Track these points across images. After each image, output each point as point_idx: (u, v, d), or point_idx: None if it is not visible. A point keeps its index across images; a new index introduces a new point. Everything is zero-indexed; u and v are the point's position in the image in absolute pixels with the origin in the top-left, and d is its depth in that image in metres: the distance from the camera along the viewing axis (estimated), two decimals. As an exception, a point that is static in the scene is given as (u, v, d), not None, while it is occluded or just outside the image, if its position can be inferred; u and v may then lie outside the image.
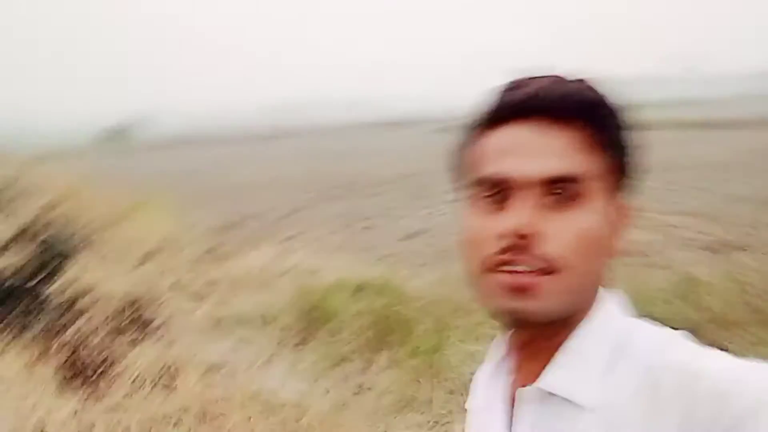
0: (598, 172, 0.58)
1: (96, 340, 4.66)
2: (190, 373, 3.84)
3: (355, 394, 3.61)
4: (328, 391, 3.62)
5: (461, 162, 0.62)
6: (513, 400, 0.63)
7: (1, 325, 5.31)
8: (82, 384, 4.04)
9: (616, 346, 0.58)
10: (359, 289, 5.02)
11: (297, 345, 4.43)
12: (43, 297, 5.94)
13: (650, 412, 0.54)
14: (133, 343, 4.56)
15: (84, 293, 5.65)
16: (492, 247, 0.56)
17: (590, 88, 0.58)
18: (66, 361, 4.37)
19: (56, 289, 6.00)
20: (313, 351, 4.24)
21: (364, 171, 17.75)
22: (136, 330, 4.78)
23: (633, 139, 0.60)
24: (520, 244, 0.56)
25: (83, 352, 4.49)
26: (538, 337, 0.61)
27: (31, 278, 6.76)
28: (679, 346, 0.57)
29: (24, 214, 10.87)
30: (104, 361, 4.34)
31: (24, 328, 5.18)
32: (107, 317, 5.03)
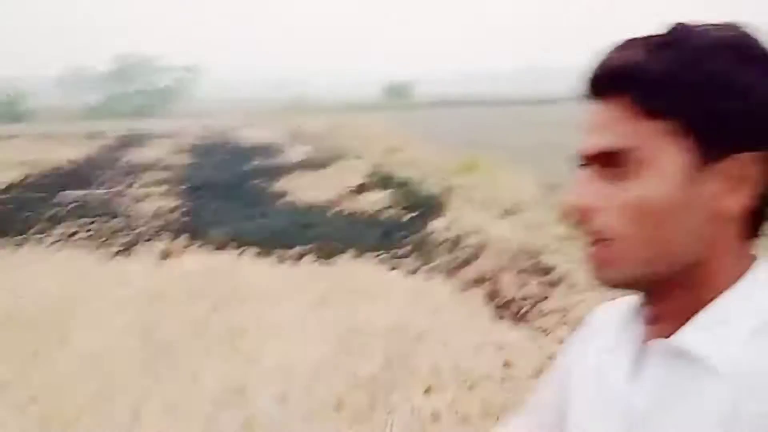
0: (659, 137, 0.57)
1: (509, 278, 5.06)
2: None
3: None
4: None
5: None
6: (641, 347, 0.63)
7: (391, 252, 6.07)
8: (516, 316, 4.43)
9: (765, 318, 0.56)
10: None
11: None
12: (425, 233, 6.67)
13: None
14: (549, 285, 4.84)
15: (470, 234, 6.19)
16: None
17: (642, 50, 0.58)
18: (491, 293, 4.83)
19: (439, 227, 6.70)
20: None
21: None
22: (543, 273, 5.06)
23: (719, 93, 0.56)
24: (578, 217, 0.59)
25: (503, 287, 4.91)
26: (650, 299, 0.62)
27: (401, 216, 7.67)
28: None
29: (367, 159, 12.43)
30: (527, 297, 4.69)
31: (420, 259, 5.87)
32: (508, 259, 5.43)
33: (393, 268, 5.58)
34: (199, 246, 6.42)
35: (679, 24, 0.59)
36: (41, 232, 7.27)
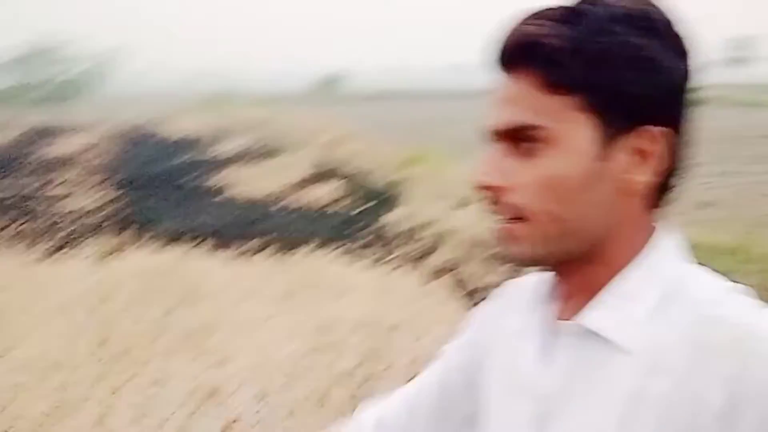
0: (567, 111, 0.57)
1: (474, 267, 5.12)
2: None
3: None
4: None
5: None
6: (549, 326, 0.64)
7: (348, 245, 6.02)
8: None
9: (667, 291, 0.58)
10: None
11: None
12: (381, 225, 6.65)
13: (694, 365, 0.53)
14: (514, 272, 4.92)
15: (428, 225, 6.22)
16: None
17: (546, 24, 0.57)
18: (456, 282, 4.86)
19: (395, 219, 6.69)
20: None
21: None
22: (503, 263, 5.14)
23: (627, 66, 0.56)
24: (488, 193, 0.59)
25: (468, 276, 4.96)
26: (560, 276, 0.62)
27: (353, 208, 7.61)
28: (737, 300, 0.56)
29: (309, 151, 12.22)
30: (493, 285, 4.76)
31: (379, 252, 5.84)
32: (470, 248, 5.49)
33: (353, 262, 5.52)
34: (141, 244, 6.12)
35: None
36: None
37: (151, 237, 6.36)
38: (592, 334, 0.59)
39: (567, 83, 0.56)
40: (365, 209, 7.31)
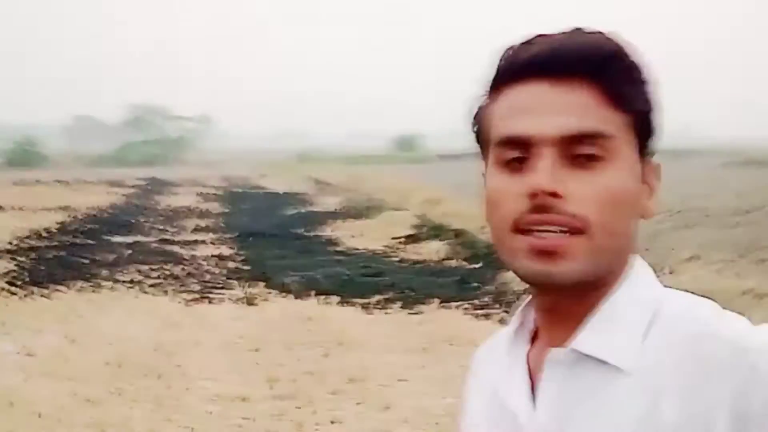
0: (623, 128, 0.56)
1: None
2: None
3: None
4: None
5: (480, 123, 0.62)
6: (530, 367, 0.62)
7: (471, 302, 6.11)
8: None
9: (653, 310, 0.57)
10: None
11: None
12: (501, 284, 6.73)
13: (697, 384, 0.52)
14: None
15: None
16: (520, 208, 0.55)
17: (610, 40, 0.57)
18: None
19: (514, 278, 6.76)
20: None
21: (694, 199, 16.47)
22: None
23: (653, 96, 0.59)
24: (548, 203, 0.55)
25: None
26: (564, 301, 0.59)
27: (468, 266, 7.73)
28: (725, 316, 0.56)
29: (410, 209, 12.54)
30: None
31: (504, 310, 5.91)
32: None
33: (480, 318, 5.62)
34: (279, 291, 6.46)
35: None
36: (110, 277, 7.31)
37: (285, 284, 6.70)
38: (587, 359, 0.56)
39: (628, 100, 0.56)
40: (479, 267, 7.43)
